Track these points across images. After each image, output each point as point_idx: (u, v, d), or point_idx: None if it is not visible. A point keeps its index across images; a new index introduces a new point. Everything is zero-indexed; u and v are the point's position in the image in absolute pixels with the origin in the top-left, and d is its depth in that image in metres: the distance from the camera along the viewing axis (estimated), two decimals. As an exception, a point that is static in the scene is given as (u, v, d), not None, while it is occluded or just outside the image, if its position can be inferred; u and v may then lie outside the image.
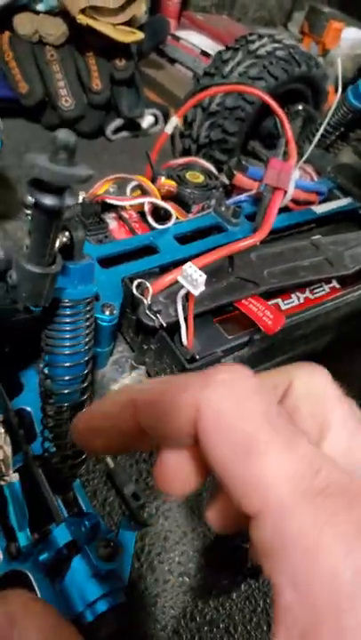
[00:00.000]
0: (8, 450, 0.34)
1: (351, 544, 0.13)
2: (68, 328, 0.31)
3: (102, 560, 0.31)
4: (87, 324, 0.32)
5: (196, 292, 0.36)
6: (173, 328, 0.41)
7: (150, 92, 1.02)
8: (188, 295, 0.37)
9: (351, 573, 0.12)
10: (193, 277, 0.35)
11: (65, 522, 0.32)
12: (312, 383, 0.19)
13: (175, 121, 0.57)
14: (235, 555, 0.42)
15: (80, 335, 0.32)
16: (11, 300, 0.30)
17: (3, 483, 0.33)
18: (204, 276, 0.35)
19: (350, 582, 0.12)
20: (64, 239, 0.29)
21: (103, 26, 0.78)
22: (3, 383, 0.37)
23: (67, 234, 0.29)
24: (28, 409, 0.39)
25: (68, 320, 0.31)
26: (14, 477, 0.33)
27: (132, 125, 0.92)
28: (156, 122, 0.95)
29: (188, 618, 0.39)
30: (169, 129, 0.57)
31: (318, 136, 0.55)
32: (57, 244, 0.27)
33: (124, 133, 0.93)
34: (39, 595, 0.32)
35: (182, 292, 0.37)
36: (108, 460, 0.42)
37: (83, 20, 0.76)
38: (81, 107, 0.84)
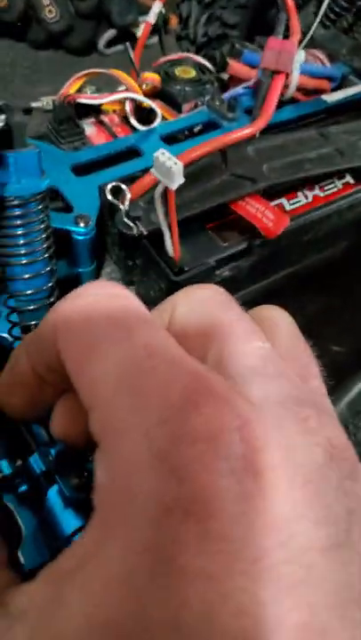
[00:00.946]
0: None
1: (147, 426, 0.14)
2: (19, 232, 0.27)
3: (75, 490, 0.28)
4: (42, 226, 0.28)
5: (173, 186, 0.31)
6: (159, 238, 0.36)
7: (147, -2, 0.92)
8: (167, 193, 0.32)
9: (146, 444, 0.14)
10: (167, 166, 0.30)
11: (37, 451, 0.29)
12: (195, 300, 0.19)
13: (159, 6, 0.49)
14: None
15: (35, 240, 0.28)
16: None
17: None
18: (181, 164, 0.30)
19: (142, 452, 0.14)
20: (-3, 122, 0.24)
21: None
22: None
23: (1, 117, 0.25)
24: (5, 335, 0.36)
25: (18, 222, 0.27)
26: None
27: (127, 36, 0.83)
28: (154, 30, 0.86)
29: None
30: (151, 17, 0.49)
31: (324, 7, 0.47)
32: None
33: (120, 46, 0.84)
34: (22, 527, 0.31)
35: (160, 189, 0.32)
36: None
37: None
38: (68, 17, 0.76)
